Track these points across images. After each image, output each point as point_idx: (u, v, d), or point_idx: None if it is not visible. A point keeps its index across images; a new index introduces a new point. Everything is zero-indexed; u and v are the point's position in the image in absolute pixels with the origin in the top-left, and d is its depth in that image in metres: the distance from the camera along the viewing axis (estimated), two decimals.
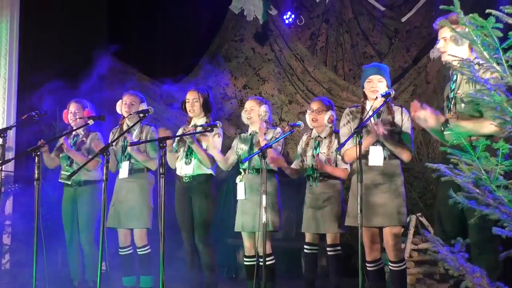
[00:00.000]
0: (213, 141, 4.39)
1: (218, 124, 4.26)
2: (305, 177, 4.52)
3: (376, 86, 3.85)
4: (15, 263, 5.96)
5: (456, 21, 2.60)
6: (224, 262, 6.24)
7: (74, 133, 5.07)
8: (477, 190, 2.43)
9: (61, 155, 5.04)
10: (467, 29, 2.40)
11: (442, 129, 3.13)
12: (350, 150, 3.83)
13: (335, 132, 4.47)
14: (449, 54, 3.20)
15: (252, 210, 4.34)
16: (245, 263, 4.52)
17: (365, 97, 3.95)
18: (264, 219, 3.76)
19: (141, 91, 5.19)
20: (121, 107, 4.77)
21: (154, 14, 7.71)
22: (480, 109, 3.06)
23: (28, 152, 3.92)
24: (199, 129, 4.40)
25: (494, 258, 2.90)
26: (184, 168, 4.47)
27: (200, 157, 4.42)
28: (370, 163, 3.78)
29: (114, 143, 4.50)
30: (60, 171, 5.06)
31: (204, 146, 4.43)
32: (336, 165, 4.42)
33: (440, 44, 3.32)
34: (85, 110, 5.04)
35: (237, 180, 4.49)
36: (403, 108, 3.92)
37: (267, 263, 4.02)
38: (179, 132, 4.58)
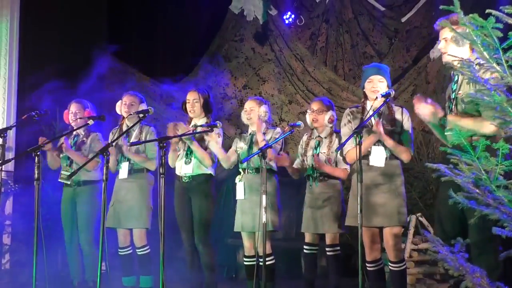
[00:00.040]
0: (217, 139, 4.40)
1: (218, 124, 4.27)
2: (305, 177, 4.52)
3: (377, 86, 3.85)
4: (15, 263, 5.96)
5: (457, 22, 2.60)
6: (224, 262, 6.24)
7: (74, 133, 5.07)
8: (477, 190, 2.43)
9: (61, 155, 5.04)
10: (467, 30, 2.40)
11: (441, 123, 3.16)
12: (352, 150, 3.84)
13: (335, 132, 4.47)
14: (449, 55, 3.20)
15: (251, 210, 4.34)
16: (245, 263, 4.52)
17: (366, 97, 3.96)
18: (264, 219, 3.76)
19: (141, 91, 5.20)
20: (120, 108, 4.77)
21: (154, 14, 7.71)
22: (479, 109, 3.07)
23: (28, 152, 3.92)
24: (199, 129, 4.40)
25: (494, 258, 2.90)
26: (184, 168, 4.47)
27: (199, 156, 4.41)
28: (372, 163, 3.78)
29: (114, 143, 4.50)
30: (60, 171, 5.06)
31: (211, 145, 4.41)
32: (336, 165, 4.42)
33: (441, 45, 3.32)
34: (86, 111, 5.04)
35: (237, 180, 4.49)
36: (404, 109, 3.93)
37: (267, 263, 4.02)
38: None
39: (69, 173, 4.58)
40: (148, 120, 4.74)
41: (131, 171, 4.66)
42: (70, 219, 5.00)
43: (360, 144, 3.43)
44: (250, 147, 4.47)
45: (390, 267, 3.83)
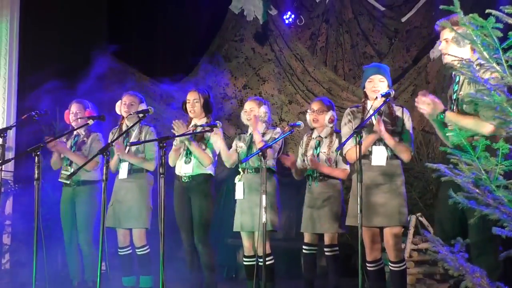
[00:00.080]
0: (222, 136, 4.38)
1: (218, 124, 4.26)
2: (305, 177, 4.52)
3: (378, 86, 3.86)
4: (15, 263, 5.96)
5: (458, 22, 2.60)
6: (224, 262, 6.24)
7: (75, 133, 5.08)
8: (477, 190, 2.43)
9: (61, 155, 5.05)
10: (468, 30, 2.40)
11: (439, 119, 3.17)
12: (351, 149, 3.83)
13: (335, 132, 4.47)
14: (450, 55, 3.20)
15: (250, 209, 4.34)
16: (245, 263, 4.52)
17: (366, 97, 3.96)
18: (264, 219, 3.76)
19: (140, 91, 5.20)
20: (120, 108, 4.77)
21: (154, 14, 7.70)
22: (477, 109, 3.07)
23: (28, 152, 3.91)
24: (199, 129, 4.40)
25: (494, 258, 2.90)
26: (184, 167, 4.46)
27: (198, 156, 4.41)
28: (374, 163, 3.78)
29: (113, 143, 4.50)
30: (60, 171, 5.06)
31: (214, 141, 4.40)
32: (336, 165, 4.43)
33: (442, 46, 3.32)
34: (87, 111, 5.05)
35: (236, 180, 4.49)
36: (404, 108, 3.93)
37: (266, 263, 4.02)
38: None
39: (69, 173, 4.58)
40: (147, 120, 4.74)
41: (130, 171, 4.66)
42: (70, 219, 4.99)
43: (360, 143, 3.43)
44: (249, 147, 4.47)
45: (390, 267, 3.83)
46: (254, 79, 7.67)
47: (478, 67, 2.48)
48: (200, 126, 4.45)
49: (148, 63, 7.52)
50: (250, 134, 4.55)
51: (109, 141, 4.69)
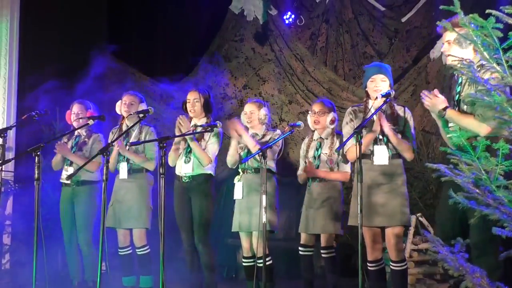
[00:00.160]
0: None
1: (218, 124, 4.27)
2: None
3: (380, 85, 3.85)
4: (15, 263, 5.96)
5: (459, 23, 2.60)
6: (224, 262, 6.24)
7: (76, 133, 5.08)
8: (477, 190, 2.43)
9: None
10: (469, 31, 2.40)
11: (441, 116, 3.18)
12: (352, 148, 3.83)
13: (336, 133, 4.47)
14: (452, 56, 3.20)
15: (249, 209, 4.34)
16: (244, 264, 4.52)
17: (368, 97, 3.95)
18: (264, 219, 3.76)
19: (140, 91, 5.19)
20: (120, 107, 4.77)
21: (154, 14, 7.70)
22: (475, 109, 3.07)
23: (28, 152, 3.92)
24: (199, 129, 4.41)
25: (494, 258, 2.90)
26: (184, 167, 4.46)
27: (197, 155, 4.41)
28: (376, 163, 3.78)
29: (114, 143, 4.50)
30: (61, 171, 5.06)
31: (214, 146, 4.40)
32: (338, 167, 4.42)
33: (444, 47, 3.32)
34: (88, 111, 5.04)
35: (235, 180, 4.49)
36: (406, 108, 3.93)
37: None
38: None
39: (69, 173, 4.57)
40: (147, 120, 4.73)
41: (130, 171, 4.66)
42: (69, 219, 4.99)
43: (360, 143, 3.43)
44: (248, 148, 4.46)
45: (391, 267, 3.82)
46: (254, 79, 7.66)
47: (479, 68, 2.48)
48: (200, 126, 4.45)
49: (148, 63, 7.51)
50: (251, 135, 4.54)
51: (109, 141, 4.69)
